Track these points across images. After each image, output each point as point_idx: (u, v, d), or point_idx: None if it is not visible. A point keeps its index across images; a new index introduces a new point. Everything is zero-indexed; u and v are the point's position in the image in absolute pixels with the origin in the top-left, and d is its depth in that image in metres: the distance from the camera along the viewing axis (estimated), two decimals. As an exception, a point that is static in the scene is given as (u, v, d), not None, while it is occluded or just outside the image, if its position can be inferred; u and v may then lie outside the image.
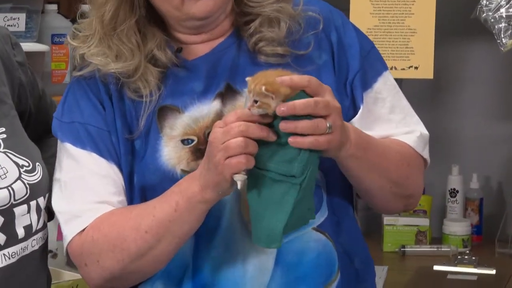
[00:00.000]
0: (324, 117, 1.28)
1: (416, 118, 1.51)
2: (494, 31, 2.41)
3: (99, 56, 1.42)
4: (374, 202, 1.47)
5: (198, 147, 1.39)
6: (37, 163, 1.46)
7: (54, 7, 2.33)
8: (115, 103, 1.43)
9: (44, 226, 1.48)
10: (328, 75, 1.43)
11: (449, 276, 2.49)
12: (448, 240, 2.69)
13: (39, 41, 2.23)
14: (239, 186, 1.28)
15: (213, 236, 1.39)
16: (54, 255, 2.23)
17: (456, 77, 2.82)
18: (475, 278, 2.48)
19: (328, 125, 1.28)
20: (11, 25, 2.14)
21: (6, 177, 1.41)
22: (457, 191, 2.76)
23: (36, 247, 1.46)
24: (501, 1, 2.38)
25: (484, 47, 2.75)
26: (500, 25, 2.39)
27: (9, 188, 1.41)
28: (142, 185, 1.41)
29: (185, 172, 1.38)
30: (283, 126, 1.26)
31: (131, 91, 1.42)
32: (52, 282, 1.56)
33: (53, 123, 1.47)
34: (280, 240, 1.30)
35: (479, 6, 2.40)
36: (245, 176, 1.27)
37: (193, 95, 1.41)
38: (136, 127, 1.42)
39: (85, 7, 1.47)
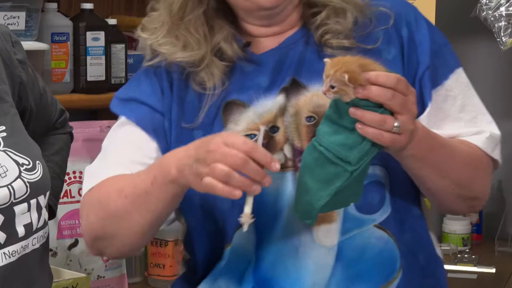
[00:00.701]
0: (396, 114, 1.27)
1: (487, 117, 1.49)
2: (494, 30, 2.41)
3: (167, 46, 1.44)
4: (437, 202, 1.46)
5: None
6: (37, 162, 1.46)
7: (54, 5, 2.32)
8: (176, 91, 1.45)
9: (45, 224, 1.48)
10: (396, 71, 1.40)
11: (449, 275, 2.47)
12: (448, 239, 2.70)
13: (39, 39, 2.23)
14: (244, 229, 1.27)
15: (273, 230, 1.39)
16: (54, 254, 2.23)
17: None
18: (475, 276, 2.48)
19: (396, 124, 1.27)
20: (11, 24, 2.14)
21: (6, 175, 1.41)
22: None
23: (37, 246, 1.46)
24: (501, 0, 2.39)
25: (484, 46, 2.77)
26: (500, 24, 2.39)
27: (9, 186, 1.41)
28: None
29: None
30: (352, 111, 1.26)
31: (196, 83, 1.44)
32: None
33: (112, 101, 1.50)
34: (315, 218, 1.32)
35: (479, 4, 2.41)
36: (251, 220, 1.27)
37: (258, 89, 1.42)
38: (196, 118, 1.43)
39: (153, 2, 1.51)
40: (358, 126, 1.27)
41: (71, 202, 2.29)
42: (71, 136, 1.77)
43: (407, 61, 1.44)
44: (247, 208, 1.27)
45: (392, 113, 1.27)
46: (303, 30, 1.46)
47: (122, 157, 1.44)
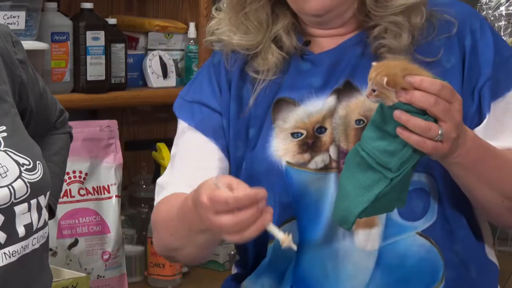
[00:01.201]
0: (439, 122, 1.26)
1: None
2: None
3: (227, 34, 1.48)
4: (485, 213, 1.45)
5: (306, 140, 1.42)
6: (37, 162, 1.46)
7: (54, 5, 2.33)
8: (234, 89, 1.48)
9: (45, 224, 1.49)
10: (454, 80, 1.41)
11: (449, 274, 2.49)
12: (448, 238, 2.70)
13: (38, 39, 2.23)
14: (294, 248, 1.25)
15: (315, 231, 1.40)
16: (54, 253, 2.23)
17: None
18: (475, 276, 2.48)
19: (440, 132, 1.26)
20: (11, 23, 2.14)
21: (6, 175, 1.41)
22: None
23: (37, 246, 1.46)
24: (501, -1, 2.42)
25: (484, 45, 2.77)
26: (500, 23, 2.40)
27: (10, 186, 1.41)
28: (249, 172, 1.44)
29: (290, 164, 1.41)
30: (397, 114, 1.25)
31: (252, 70, 1.47)
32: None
33: (176, 101, 1.54)
34: (352, 224, 1.31)
35: (479, 4, 2.42)
36: (290, 238, 1.25)
37: (311, 89, 1.43)
38: (247, 105, 1.46)
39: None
40: (399, 130, 1.26)
41: (71, 202, 2.28)
42: (70, 136, 1.77)
43: (468, 71, 1.43)
44: (278, 234, 1.25)
45: (435, 120, 1.26)
46: (362, 34, 1.46)
47: (186, 167, 1.47)
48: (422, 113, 1.26)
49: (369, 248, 1.39)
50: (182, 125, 1.52)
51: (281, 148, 1.41)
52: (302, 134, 1.41)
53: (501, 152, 1.38)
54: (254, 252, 1.45)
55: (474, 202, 1.42)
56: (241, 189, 1.22)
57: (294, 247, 1.25)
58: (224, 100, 1.48)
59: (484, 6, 2.41)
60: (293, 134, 1.42)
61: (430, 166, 1.38)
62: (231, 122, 1.46)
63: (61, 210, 2.22)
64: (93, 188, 2.32)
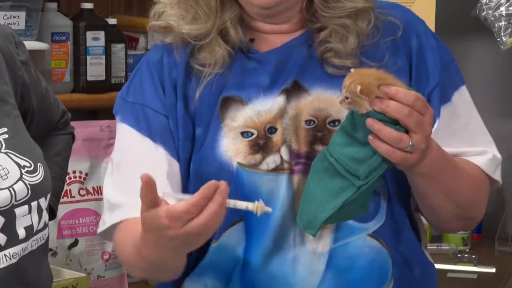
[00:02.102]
0: (410, 133, 1.26)
1: (488, 137, 1.48)
2: (494, 30, 2.42)
3: (175, 17, 1.43)
4: (434, 219, 1.45)
5: (257, 141, 1.39)
6: (38, 164, 1.46)
7: (54, 5, 2.32)
8: (179, 87, 1.43)
9: (45, 226, 1.48)
10: (402, 81, 1.38)
11: (449, 275, 2.49)
12: (448, 239, 2.70)
13: (39, 39, 2.23)
14: (269, 210, 1.24)
15: (264, 233, 1.38)
16: (54, 254, 2.23)
17: None
18: (475, 276, 2.48)
19: (410, 143, 1.26)
20: (11, 24, 2.13)
21: (7, 177, 1.41)
22: None
23: (37, 247, 1.46)
24: None
25: (484, 46, 2.78)
26: (500, 23, 2.40)
27: (10, 189, 1.41)
28: (198, 174, 1.40)
29: (241, 165, 1.39)
30: (370, 122, 1.26)
31: (197, 63, 1.43)
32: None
33: (117, 102, 1.48)
34: (318, 230, 1.32)
35: (479, 4, 2.41)
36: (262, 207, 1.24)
37: (258, 88, 1.41)
38: (193, 100, 1.42)
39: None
40: (371, 138, 1.26)
41: (71, 202, 2.28)
42: (73, 137, 1.76)
43: (416, 73, 1.43)
44: (249, 205, 1.24)
45: (406, 130, 1.27)
46: (307, 34, 1.44)
47: (136, 178, 1.37)
48: (394, 122, 1.26)
49: (320, 250, 1.38)
50: (125, 129, 1.44)
51: (232, 148, 1.39)
52: (252, 133, 1.39)
53: (456, 161, 1.40)
54: (196, 251, 1.40)
55: (425, 208, 1.43)
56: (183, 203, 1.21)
57: (269, 209, 1.24)
58: (169, 100, 1.43)
59: (484, 6, 2.41)
60: (243, 133, 1.40)
61: (390, 171, 1.36)
62: (179, 123, 1.42)
63: (61, 210, 2.22)
64: (93, 188, 2.32)
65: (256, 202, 1.24)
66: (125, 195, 1.40)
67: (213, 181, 1.21)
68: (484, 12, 2.40)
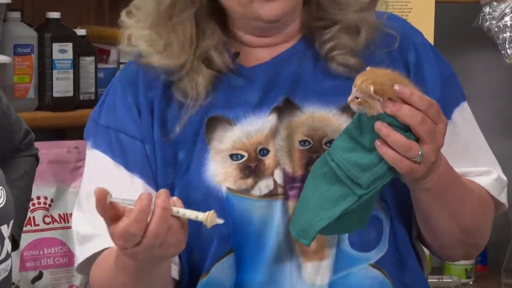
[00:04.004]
0: (421, 142, 1.26)
1: (492, 157, 1.48)
2: (498, 41, 2.43)
3: (146, 42, 1.41)
4: (435, 244, 1.45)
5: (248, 164, 1.39)
6: (0, 188, 1.46)
7: (17, 14, 2.33)
8: (156, 109, 1.42)
9: (8, 256, 1.48)
10: None
11: (451, 310, 2.50)
12: (450, 270, 2.70)
13: (0, 51, 2.24)
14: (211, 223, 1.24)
15: (257, 265, 1.38)
16: (16, 288, 2.23)
17: None
18: (479, 311, 2.49)
19: (420, 153, 1.26)
20: (-30, 35, 2.14)
21: (-34, 203, 1.41)
22: None
23: (-1, 279, 1.46)
24: (505, 9, 2.41)
25: (487, 59, 2.76)
26: (505, 35, 2.42)
27: (-31, 215, 1.41)
28: (183, 199, 1.34)
29: (231, 191, 1.38)
30: (378, 125, 1.26)
31: (179, 92, 1.42)
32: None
33: (88, 125, 1.46)
34: (312, 239, 1.31)
35: (482, 14, 2.43)
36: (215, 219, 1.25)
37: (247, 107, 1.40)
38: (173, 130, 1.41)
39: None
40: (378, 142, 1.26)
41: (35, 231, 2.29)
42: (36, 159, 1.77)
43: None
44: (198, 215, 1.24)
45: (417, 139, 1.27)
46: (301, 43, 1.44)
47: None
48: (405, 129, 1.26)
49: (318, 282, 1.38)
50: (97, 156, 1.43)
51: (220, 172, 1.38)
52: (242, 156, 1.39)
53: (462, 180, 1.40)
54: (186, 286, 1.41)
55: (428, 232, 1.43)
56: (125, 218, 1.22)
57: (220, 221, 1.24)
58: (145, 124, 1.42)
59: (487, 16, 2.42)
60: (232, 156, 1.39)
61: (384, 191, 1.36)
62: (157, 147, 1.41)
63: (24, 240, 2.16)
64: (59, 215, 2.32)
65: (208, 212, 1.23)
66: (96, 226, 1.38)
67: (145, 193, 1.22)
68: (488, 23, 2.42)
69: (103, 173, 1.42)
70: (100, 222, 1.31)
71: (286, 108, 1.39)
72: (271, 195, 1.38)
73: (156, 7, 1.40)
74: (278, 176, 1.38)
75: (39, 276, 2.27)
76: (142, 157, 1.41)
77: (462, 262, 2.68)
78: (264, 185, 1.38)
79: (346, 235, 1.37)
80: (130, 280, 1.33)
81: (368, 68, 1.29)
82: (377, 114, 1.26)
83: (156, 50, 1.40)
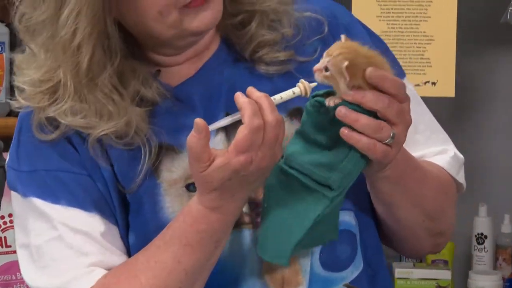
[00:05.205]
0: (391, 125, 1.29)
1: (445, 135, 1.52)
2: (528, 38, 2.50)
3: (76, 115, 1.36)
4: (402, 239, 1.48)
5: None
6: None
7: (-15, 8, 2.29)
8: (91, 139, 1.39)
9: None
10: None
11: None
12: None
13: (-33, 50, 2.22)
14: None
15: None
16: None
17: (482, 94, 2.79)
18: None
19: (391, 134, 1.28)
20: None
21: None
22: (486, 237, 2.74)
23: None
24: (536, 2, 2.41)
25: (515, 57, 2.86)
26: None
27: None
28: (141, 241, 1.38)
29: None
30: (343, 112, 1.26)
31: (119, 142, 1.38)
32: None
33: (9, 175, 1.42)
34: (289, 258, 1.32)
35: (510, 8, 2.42)
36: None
37: (188, 131, 1.34)
38: (132, 180, 1.38)
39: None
40: (346, 132, 1.26)
41: (7, 253, 2.29)
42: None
43: None
44: (293, 91, 1.30)
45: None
46: (223, 48, 1.44)
47: (85, 252, 1.36)
48: (369, 115, 1.27)
49: None
50: (37, 204, 1.38)
51: (179, 207, 1.36)
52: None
53: (418, 162, 1.44)
54: None
55: (392, 228, 1.46)
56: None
57: (314, 84, 1.29)
58: (85, 156, 1.38)
59: (515, 10, 2.46)
60: (188, 186, 1.38)
61: (354, 202, 1.40)
62: (109, 181, 1.38)
63: None
64: (34, 235, 2.28)
65: (298, 84, 1.29)
66: (75, 267, 1.37)
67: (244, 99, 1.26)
68: (516, 17, 2.45)
69: (51, 222, 1.38)
70: (66, 269, 1.35)
71: (231, 126, 1.34)
72: (238, 225, 1.37)
73: (73, 75, 1.35)
74: None
75: (12, 303, 2.26)
76: (96, 191, 1.39)
77: (488, 288, 2.71)
78: None
79: (317, 256, 1.38)
80: (194, 260, 1.32)
81: (343, 37, 1.29)
82: (334, 104, 1.27)
83: (94, 119, 1.36)
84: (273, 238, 1.32)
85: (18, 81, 1.39)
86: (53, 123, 1.38)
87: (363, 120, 1.26)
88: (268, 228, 1.33)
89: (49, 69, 1.36)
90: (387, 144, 1.28)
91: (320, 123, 1.28)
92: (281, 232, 1.31)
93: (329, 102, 1.26)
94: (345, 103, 1.26)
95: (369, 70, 1.25)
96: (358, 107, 1.26)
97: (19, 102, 1.39)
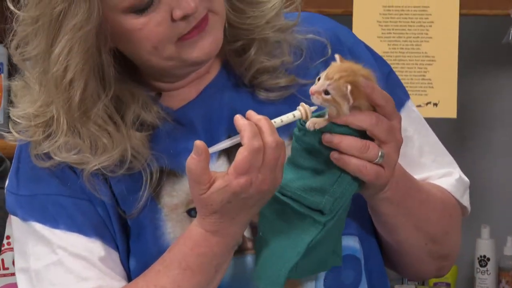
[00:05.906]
0: (380, 144, 1.28)
1: (449, 157, 1.51)
2: (530, 59, 2.50)
3: (70, 152, 1.36)
4: (405, 262, 1.47)
5: None
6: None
7: (-16, 29, 2.31)
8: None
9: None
10: None
11: None
12: None
13: (-36, 71, 2.21)
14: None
15: None
16: None
17: (484, 115, 2.82)
18: None
19: (380, 153, 1.27)
20: None
21: None
22: (488, 259, 2.76)
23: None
24: (538, 23, 2.45)
25: (518, 78, 2.81)
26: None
27: None
28: (142, 267, 1.37)
29: None
30: (327, 137, 1.26)
31: (116, 173, 1.38)
32: None
33: (8, 200, 1.42)
34: (282, 284, 1.31)
35: (512, 29, 2.47)
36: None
37: (189, 154, 1.36)
38: (132, 205, 1.38)
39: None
40: (335, 155, 1.26)
41: (4, 275, 2.29)
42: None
43: None
44: (294, 114, 1.29)
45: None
46: (224, 72, 1.44)
47: (85, 277, 1.37)
48: (359, 136, 1.27)
49: None
50: (37, 229, 1.39)
51: (180, 233, 1.36)
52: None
53: (421, 183, 1.43)
54: None
55: (394, 251, 1.45)
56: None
57: (314, 107, 1.28)
58: (83, 182, 1.38)
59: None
60: (190, 212, 1.38)
61: (358, 227, 1.40)
62: (109, 207, 1.38)
63: None
64: (32, 257, 2.29)
65: (298, 107, 1.28)
66: None
67: (243, 122, 1.26)
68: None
69: (51, 246, 1.38)
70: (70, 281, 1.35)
71: (233, 149, 1.33)
72: (240, 251, 1.37)
73: (65, 109, 1.34)
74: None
75: (10, 328, 2.24)
76: (96, 216, 1.39)
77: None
78: None
79: (321, 281, 1.38)
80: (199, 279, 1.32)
81: (337, 58, 1.28)
82: (319, 129, 1.27)
83: (88, 154, 1.36)
84: (267, 265, 1.32)
85: (13, 115, 1.38)
86: (49, 154, 1.37)
87: (347, 140, 1.26)
88: (262, 255, 1.33)
89: (42, 104, 1.36)
90: (378, 164, 1.28)
91: (309, 147, 1.29)
92: (275, 259, 1.31)
93: (309, 125, 1.26)
94: (333, 125, 1.26)
95: (360, 80, 1.25)
96: (348, 129, 1.26)
97: (14, 136, 1.38)
